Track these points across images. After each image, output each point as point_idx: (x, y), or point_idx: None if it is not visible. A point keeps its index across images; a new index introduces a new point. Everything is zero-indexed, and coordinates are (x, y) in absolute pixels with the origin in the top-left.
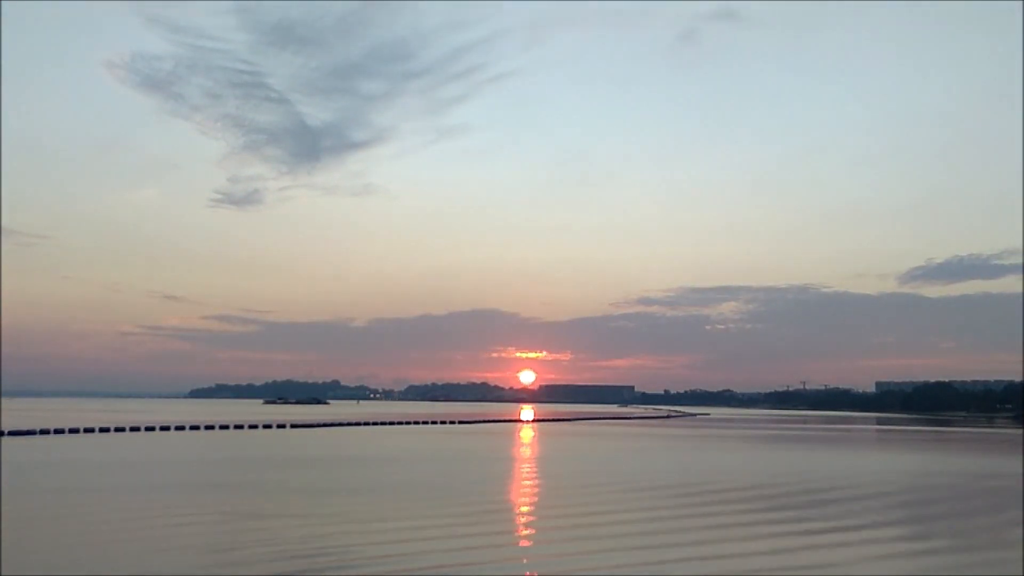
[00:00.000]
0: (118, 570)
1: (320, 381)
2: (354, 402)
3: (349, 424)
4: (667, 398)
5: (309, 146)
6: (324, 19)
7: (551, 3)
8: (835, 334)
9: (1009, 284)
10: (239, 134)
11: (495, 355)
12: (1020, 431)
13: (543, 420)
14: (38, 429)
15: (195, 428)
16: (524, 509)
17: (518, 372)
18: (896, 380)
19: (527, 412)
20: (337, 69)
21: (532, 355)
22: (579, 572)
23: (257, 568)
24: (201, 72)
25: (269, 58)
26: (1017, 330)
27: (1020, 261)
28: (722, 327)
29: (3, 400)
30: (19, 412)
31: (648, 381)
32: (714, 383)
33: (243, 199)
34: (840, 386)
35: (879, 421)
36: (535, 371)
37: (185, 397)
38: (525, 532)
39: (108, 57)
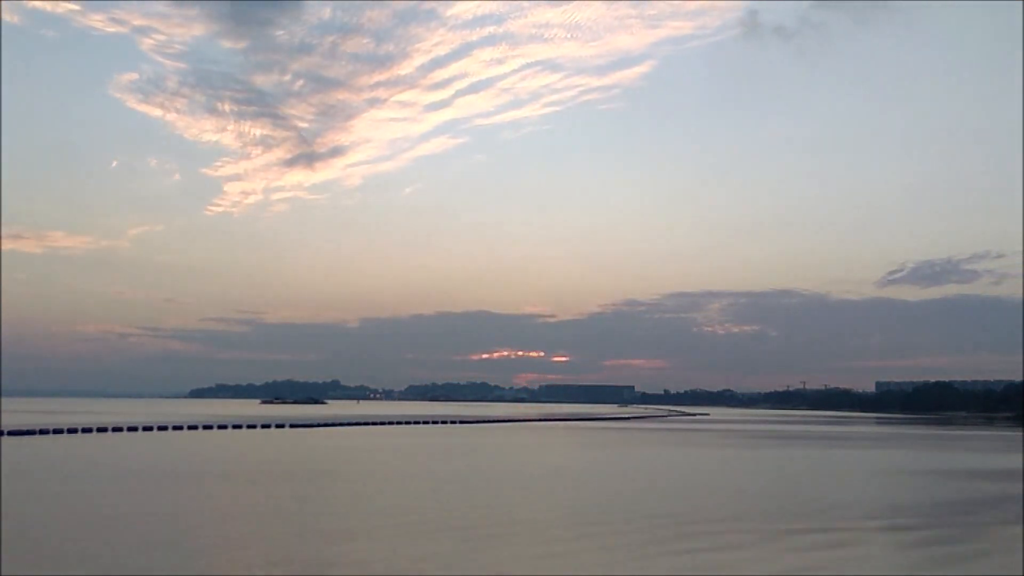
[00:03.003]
0: (118, 569)
1: (320, 381)
2: (354, 402)
3: (339, 424)
4: (667, 398)
5: (302, 152)
6: (314, 33)
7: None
8: (827, 336)
9: (984, 287)
10: (237, 143)
11: (495, 355)
12: (1020, 433)
13: (536, 420)
14: (38, 429)
15: (190, 427)
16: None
17: (519, 372)
18: (896, 380)
19: (525, 413)
20: (328, 78)
21: (532, 355)
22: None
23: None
24: (202, 88)
25: (263, 72)
26: (1001, 332)
27: (991, 266)
28: (709, 329)
29: (3, 400)
30: (19, 412)
31: (648, 381)
32: (714, 383)
33: (240, 204)
34: (840, 386)
35: (878, 422)
36: (535, 371)
37: (186, 397)
38: None
39: (116, 77)
